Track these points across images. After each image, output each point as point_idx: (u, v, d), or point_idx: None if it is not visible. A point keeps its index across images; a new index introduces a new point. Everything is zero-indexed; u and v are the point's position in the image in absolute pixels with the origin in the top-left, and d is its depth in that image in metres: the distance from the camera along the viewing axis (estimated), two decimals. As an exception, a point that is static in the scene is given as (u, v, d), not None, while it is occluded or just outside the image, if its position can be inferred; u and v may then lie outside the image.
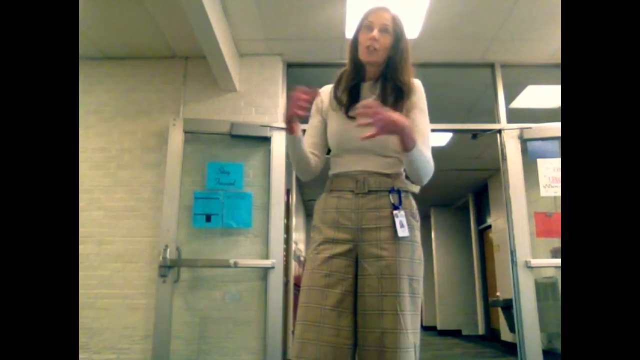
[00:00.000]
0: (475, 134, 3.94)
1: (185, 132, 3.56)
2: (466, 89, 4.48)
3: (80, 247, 3.42)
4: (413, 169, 1.46)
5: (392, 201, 1.45)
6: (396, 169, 1.53)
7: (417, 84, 1.59)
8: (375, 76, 1.56)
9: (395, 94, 1.51)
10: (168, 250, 3.32)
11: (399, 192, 1.48)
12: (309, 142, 1.62)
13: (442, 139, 5.75)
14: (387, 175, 1.49)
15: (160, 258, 3.32)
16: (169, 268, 3.34)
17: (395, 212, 1.43)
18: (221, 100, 3.78)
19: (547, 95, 4.59)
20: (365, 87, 1.57)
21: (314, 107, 1.64)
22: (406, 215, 1.45)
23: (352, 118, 1.50)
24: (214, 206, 3.49)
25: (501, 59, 3.96)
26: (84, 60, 3.79)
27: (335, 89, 1.60)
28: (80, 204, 3.48)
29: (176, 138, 3.54)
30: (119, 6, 3.29)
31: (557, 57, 3.96)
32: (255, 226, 3.51)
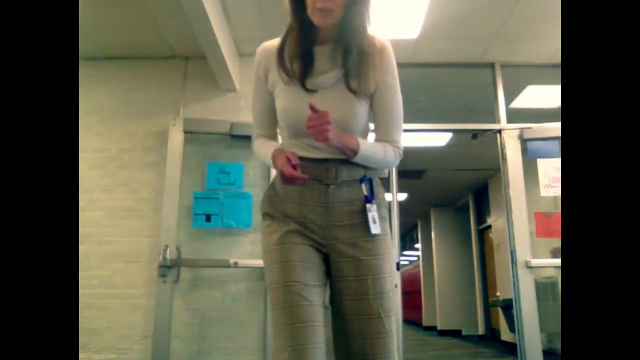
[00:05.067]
0: (475, 134, 3.94)
1: (185, 132, 3.56)
2: (466, 89, 4.48)
3: (80, 247, 3.42)
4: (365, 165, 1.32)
5: (365, 192, 1.29)
6: None
7: (386, 46, 1.33)
8: (330, 38, 1.28)
9: (359, 61, 1.27)
10: (168, 250, 3.32)
11: (370, 181, 1.31)
12: (261, 125, 1.40)
13: (442, 139, 5.75)
14: (359, 164, 1.30)
15: (160, 258, 3.32)
16: (169, 268, 3.34)
17: (368, 206, 1.27)
18: (221, 100, 3.78)
19: (547, 95, 4.59)
20: (321, 53, 1.29)
21: (256, 79, 1.37)
22: (378, 208, 1.29)
23: (310, 91, 1.27)
24: (214, 206, 3.49)
25: (501, 59, 3.96)
26: (84, 60, 3.79)
27: (281, 56, 1.30)
28: (80, 204, 3.48)
29: (176, 138, 3.55)
30: (119, 6, 3.29)
31: (557, 57, 3.96)
32: (255, 226, 3.51)
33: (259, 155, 1.41)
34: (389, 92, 1.33)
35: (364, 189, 1.30)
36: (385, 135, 1.34)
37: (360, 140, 1.26)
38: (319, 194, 1.27)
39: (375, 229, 1.25)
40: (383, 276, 1.24)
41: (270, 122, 1.40)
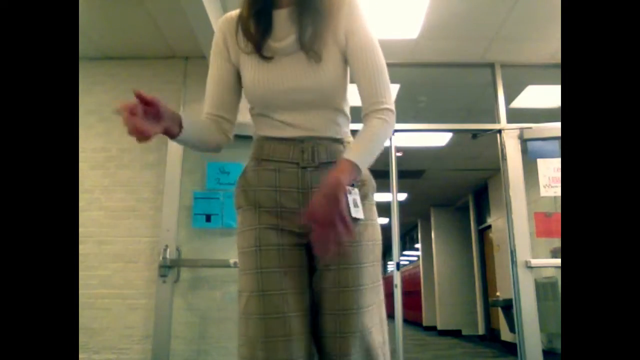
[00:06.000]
0: (475, 134, 3.94)
1: (185, 132, 3.56)
2: (466, 89, 4.48)
3: (80, 247, 3.42)
4: None
5: None
6: (346, 128, 1.20)
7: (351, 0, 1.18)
8: (289, 1, 1.16)
9: (318, 16, 1.13)
10: (168, 250, 3.32)
11: None
12: (211, 102, 1.23)
13: (442, 139, 5.75)
14: (339, 141, 1.17)
15: (160, 258, 3.32)
16: (169, 268, 3.34)
17: (348, 188, 1.06)
18: (221, 100, 3.78)
19: (547, 95, 4.59)
20: (280, 16, 1.16)
21: (214, 49, 1.26)
22: (362, 191, 1.14)
23: (267, 59, 1.15)
24: (214, 206, 3.49)
25: (501, 59, 3.96)
26: (84, 60, 3.80)
27: (240, 20, 1.20)
28: (80, 204, 3.48)
29: (176, 138, 3.55)
30: (119, 6, 3.29)
31: (557, 57, 3.97)
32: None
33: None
34: (362, 44, 1.14)
35: None
36: (369, 97, 1.12)
37: (348, 152, 1.07)
38: (295, 178, 1.13)
39: (357, 213, 1.07)
40: (365, 266, 1.11)
41: (223, 100, 1.23)
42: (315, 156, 1.13)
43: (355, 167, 1.03)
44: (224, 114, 1.25)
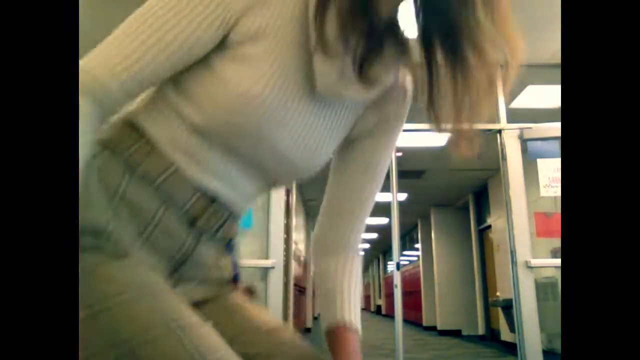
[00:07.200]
0: (475, 134, 3.96)
1: (185, 132, 3.57)
2: (466, 89, 4.49)
3: (80, 247, 3.42)
4: None
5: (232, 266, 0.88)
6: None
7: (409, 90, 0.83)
8: (393, 14, 0.75)
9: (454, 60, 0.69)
10: (168, 250, 3.33)
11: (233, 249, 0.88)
12: (143, 61, 0.64)
13: (442, 139, 5.75)
14: (239, 215, 0.81)
15: (160, 258, 3.32)
16: (169, 268, 3.34)
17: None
18: (221, 100, 3.78)
19: (547, 95, 4.60)
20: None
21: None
22: None
23: (316, 95, 0.69)
24: (214, 206, 3.49)
25: (501, 59, 3.97)
26: (84, 60, 3.80)
27: (324, 9, 0.65)
28: (80, 204, 3.49)
29: (176, 138, 3.55)
30: (119, 6, 3.30)
31: (557, 57, 3.97)
32: (255, 226, 3.51)
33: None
34: (385, 146, 0.86)
35: (230, 260, 0.82)
36: (357, 230, 0.83)
37: (348, 317, 0.78)
38: (179, 239, 0.70)
39: None
40: None
41: (158, 72, 0.65)
42: (223, 227, 0.75)
43: (359, 334, 0.79)
44: (139, 89, 0.66)
